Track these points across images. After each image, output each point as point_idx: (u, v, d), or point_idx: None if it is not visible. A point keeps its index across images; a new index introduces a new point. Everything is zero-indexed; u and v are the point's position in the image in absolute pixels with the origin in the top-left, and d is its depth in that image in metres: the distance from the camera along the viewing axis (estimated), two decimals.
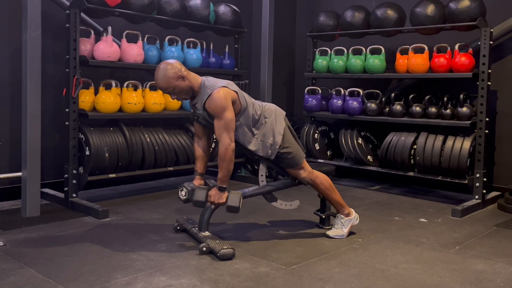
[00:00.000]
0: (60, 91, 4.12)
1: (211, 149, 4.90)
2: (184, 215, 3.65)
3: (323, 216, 3.59)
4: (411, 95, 4.83)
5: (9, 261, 2.84)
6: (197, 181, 3.29)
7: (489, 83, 4.30)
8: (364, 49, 5.03)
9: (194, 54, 4.70)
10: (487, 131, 4.33)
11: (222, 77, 3.89)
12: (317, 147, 5.31)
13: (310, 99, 5.38)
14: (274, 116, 3.23)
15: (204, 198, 3.11)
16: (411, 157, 4.64)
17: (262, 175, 3.40)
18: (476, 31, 4.44)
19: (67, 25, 3.91)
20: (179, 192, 3.21)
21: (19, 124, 3.83)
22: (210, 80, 3.13)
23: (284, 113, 3.33)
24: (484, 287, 2.64)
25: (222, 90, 3.04)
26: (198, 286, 2.55)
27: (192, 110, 3.25)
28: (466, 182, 4.32)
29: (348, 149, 5.02)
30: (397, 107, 4.81)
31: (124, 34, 4.34)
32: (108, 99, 4.13)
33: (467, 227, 3.77)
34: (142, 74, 4.79)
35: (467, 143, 4.33)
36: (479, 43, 4.34)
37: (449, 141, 4.42)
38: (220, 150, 3.05)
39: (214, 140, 4.95)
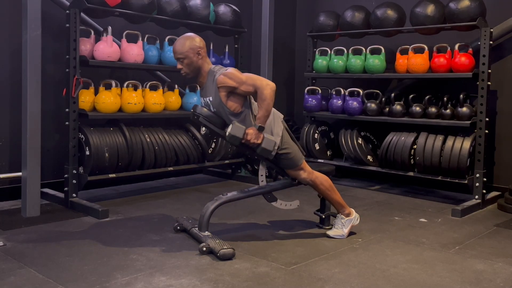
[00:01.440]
0: (60, 91, 4.12)
1: (211, 149, 4.91)
2: (184, 215, 3.65)
3: (323, 216, 3.59)
4: (411, 95, 4.83)
5: (9, 261, 2.84)
6: None
7: (489, 83, 4.30)
8: (364, 49, 5.03)
9: None
10: (487, 131, 4.33)
11: None
12: (317, 147, 5.31)
13: (310, 99, 5.37)
14: (273, 118, 3.24)
15: (241, 134, 3.09)
16: (411, 157, 4.64)
17: (262, 175, 3.40)
18: (476, 31, 4.44)
19: (67, 25, 3.91)
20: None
21: (19, 124, 3.82)
22: (218, 66, 3.28)
23: (282, 116, 3.33)
24: (484, 287, 2.65)
25: (234, 69, 3.20)
26: (198, 286, 2.55)
27: (192, 110, 3.25)
28: (466, 182, 4.32)
29: (348, 149, 5.01)
30: (397, 107, 4.81)
31: (124, 34, 4.34)
32: (108, 99, 4.13)
33: (467, 227, 3.77)
34: (142, 74, 4.79)
35: (467, 143, 4.33)
36: (479, 43, 4.34)
37: (449, 141, 4.42)
38: (259, 92, 3.08)
39: (214, 140, 4.95)
